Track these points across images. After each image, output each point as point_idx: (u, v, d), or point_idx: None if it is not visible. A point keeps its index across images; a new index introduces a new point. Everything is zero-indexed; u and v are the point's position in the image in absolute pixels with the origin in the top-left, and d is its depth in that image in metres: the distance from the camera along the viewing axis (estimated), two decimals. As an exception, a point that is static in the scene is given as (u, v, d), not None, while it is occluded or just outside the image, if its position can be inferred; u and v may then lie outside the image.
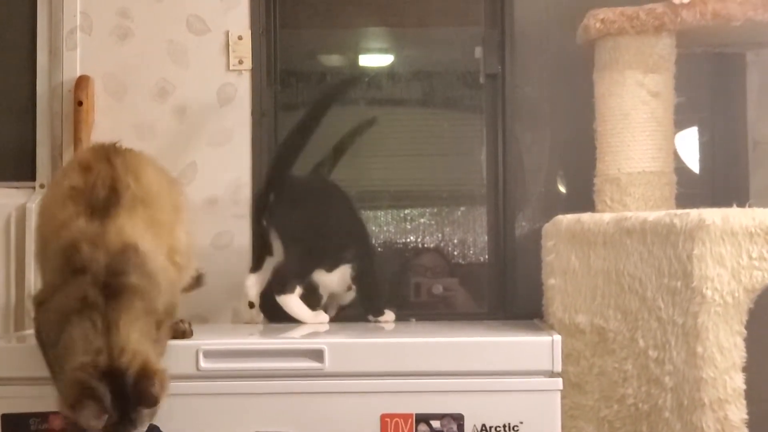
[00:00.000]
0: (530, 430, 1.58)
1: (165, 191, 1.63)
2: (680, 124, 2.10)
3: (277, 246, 1.95)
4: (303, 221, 1.95)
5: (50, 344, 1.44)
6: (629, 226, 1.64)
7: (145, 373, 1.37)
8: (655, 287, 1.56)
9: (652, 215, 1.59)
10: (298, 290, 1.91)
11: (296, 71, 2.38)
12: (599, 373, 1.69)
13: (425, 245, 2.37)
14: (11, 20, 2.29)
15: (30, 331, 1.68)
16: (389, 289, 2.32)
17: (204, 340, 1.64)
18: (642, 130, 1.96)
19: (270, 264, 1.97)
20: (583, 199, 2.04)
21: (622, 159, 1.97)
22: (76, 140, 2.18)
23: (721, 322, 1.44)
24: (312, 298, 1.96)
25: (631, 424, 1.61)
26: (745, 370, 1.44)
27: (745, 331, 1.44)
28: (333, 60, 2.48)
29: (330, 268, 1.97)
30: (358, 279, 1.99)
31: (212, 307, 2.16)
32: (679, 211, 1.53)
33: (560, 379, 1.60)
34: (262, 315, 1.99)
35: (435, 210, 2.38)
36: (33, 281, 2.13)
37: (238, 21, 2.26)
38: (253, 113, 2.25)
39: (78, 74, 2.23)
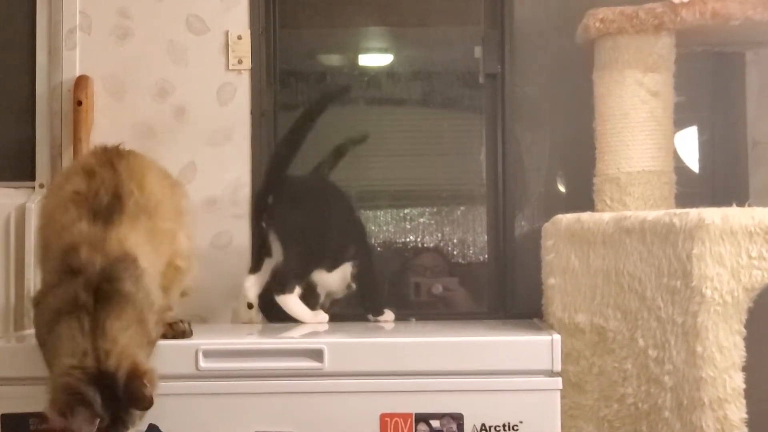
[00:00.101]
0: (530, 430, 1.58)
1: (167, 197, 1.63)
2: (680, 124, 2.10)
3: (276, 247, 1.95)
4: (302, 222, 1.95)
5: (42, 344, 1.45)
6: (629, 226, 1.64)
7: (136, 374, 1.38)
8: (655, 287, 1.56)
9: (651, 214, 1.59)
10: (298, 290, 1.91)
11: (296, 71, 2.38)
12: (599, 373, 1.69)
13: (425, 245, 2.37)
14: (11, 20, 2.29)
15: (30, 331, 1.68)
16: (389, 289, 2.32)
17: (203, 340, 1.64)
18: (641, 130, 1.96)
19: (269, 265, 1.97)
20: (582, 199, 2.04)
21: (621, 158, 1.97)
22: (76, 140, 2.18)
23: (720, 322, 1.44)
24: (311, 298, 1.97)
25: (631, 424, 1.61)
26: (744, 369, 1.44)
27: (744, 331, 1.44)
28: (333, 60, 2.48)
29: (330, 268, 1.97)
30: (357, 277, 1.99)
31: (212, 307, 2.16)
32: (679, 211, 1.53)
33: (560, 379, 1.60)
34: (261, 315, 1.99)
35: (435, 210, 2.38)
36: (33, 281, 2.13)
37: (238, 21, 2.25)
38: (252, 113, 2.25)
39: (77, 74, 2.23)
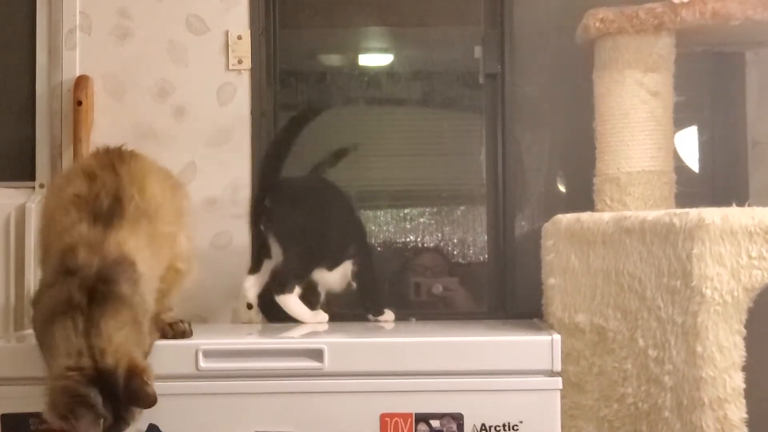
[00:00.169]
0: (530, 430, 1.58)
1: (168, 200, 1.64)
2: (680, 124, 2.10)
3: (275, 248, 1.95)
4: (301, 222, 1.95)
5: (40, 344, 1.45)
6: (629, 226, 1.64)
7: (135, 371, 1.38)
8: (655, 286, 1.56)
9: (651, 214, 1.59)
10: (297, 290, 1.91)
11: (296, 71, 2.38)
12: (599, 373, 1.69)
13: (425, 245, 2.37)
14: (11, 20, 2.29)
15: (30, 331, 1.68)
16: (389, 289, 2.32)
17: (203, 340, 1.64)
18: (641, 130, 1.96)
19: (268, 266, 1.97)
20: (582, 199, 2.04)
21: (621, 158, 1.97)
22: (76, 140, 2.18)
23: (720, 322, 1.44)
24: (311, 297, 1.97)
25: (631, 424, 1.61)
26: (744, 369, 1.44)
27: (744, 331, 1.44)
28: (333, 60, 2.48)
29: (331, 267, 1.97)
30: (358, 276, 2.00)
31: (212, 307, 2.16)
32: (679, 211, 1.53)
33: (560, 379, 1.60)
34: (260, 316, 1.99)
35: (435, 210, 2.38)
36: (33, 281, 2.13)
37: (238, 21, 2.25)
38: (252, 113, 2.25)
39: (77, 74, 2.23)
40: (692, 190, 2.14)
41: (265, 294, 1.98)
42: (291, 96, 2.37)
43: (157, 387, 1.43)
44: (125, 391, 1.36)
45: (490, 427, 1.58)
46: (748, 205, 1.51)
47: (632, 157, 1.96)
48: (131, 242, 1.49)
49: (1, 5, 2.30)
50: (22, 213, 2.20)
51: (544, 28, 2.32)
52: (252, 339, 1.80)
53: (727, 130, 2.32)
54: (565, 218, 1.81)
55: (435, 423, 1.58)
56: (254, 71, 2.25)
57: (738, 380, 1.43)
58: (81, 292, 1.41)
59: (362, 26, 2.44)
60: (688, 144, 2.32)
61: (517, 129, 2.31)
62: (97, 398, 1.35)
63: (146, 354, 1.49)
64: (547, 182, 2.35)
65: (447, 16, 2.40)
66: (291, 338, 1.77)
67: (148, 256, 1.51)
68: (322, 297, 2.00)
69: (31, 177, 2.24)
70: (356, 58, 2.46)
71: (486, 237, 2.34)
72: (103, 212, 1.50)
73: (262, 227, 1.95)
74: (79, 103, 2.18)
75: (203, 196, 2.21)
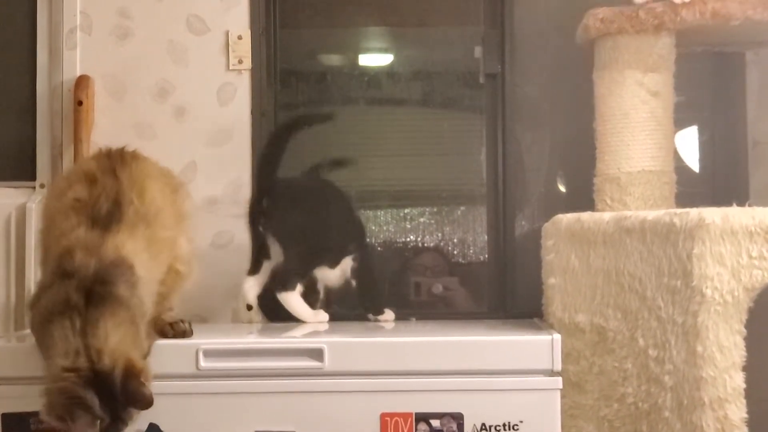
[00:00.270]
0: (530, 430, 1.58)
1: (168, 205, 1.64)
2: (680, 124, 2.10)
3: (275, 249, 1.95)
4: (300, 221, 1.95)
5: (39, 345, 1.45)
6: (629, 225, 1.64)
7: (132, 372, 1.38)
8: (655, 286, 1.56)
9: (651, 214, 1.59)
10: (299, 288, 1.91)
11: (296, 71, 2.39)
12: (599, 373, 1.69)
13: (425, 244, 2.37)
14: (11, 20, 2.29)
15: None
16: (389, 288, 2.32)
17: (204, 340, 1.64)
18: (642, 130, 1.96)
19: (267, 267, 1.97)
20: (583, 199, 2.04)
21: (622, 158, 1.97)
22: (76, 140, 2.18)
23: (720, 321, 1.44)
24: (311, 297, 1.97)
25: (631, 424, 1.61)
26: (745, 369, 1.44)
27: (744, 330, 1.44)
28: (333, 60, 2.48)
29: (333, 265, 1.98)
30: (357, 272, 2.00)
31: (212, 307, 2.16)
32: (679, 210, 1.53)
33: (560, 378, 1.60)
34: (260, 317, 1.99)
35: (435, 209, 2.38)
36: (33, 281, 2.13)
37: (238, 21, 2.26)
38: (252, 113, 2.25)
39: (78, 74, 2.23)
40: (692, 190, 2.14)
41: (265, 294, 1.98)
42: (291, 96, 2.37)
43: (158, 386, 1.43)
44: (122, 392, 1.37)
45: (490, 426, 1.58)
46: (749, 205, 1.51)
47: (632, 157, 1.96)
48: (129, 246, 1.49)
49: (1, 5, 2.30)
50: (22, 213, 2.20)
51: (544, 28, 2.32)
52: (252, 338, 1.80)
53: (727, 130, 2.32)
54: (566, 218, 1.81)
55: (435, 423, 1.58)
56: (254, 71, 2.25)
57: (738, 380, 1.43)
58: (78, 293, 1.41)
59: (362, 26, 2.44)
60: (689, 144, 2.32)
61: (518, 129, 2.31)
62: (93, 399, 1.35)
63: (145, 355, 1.49)
64: (547, 182, 2.35)
65: (447, 16, 2.41)
66: (291, 338, 1.77)
67: (146, 259, 1.52)
68: (321, 295, 2.00)
69: (32, 177, 2.24)
70: (356, 58, 2.46)
71: (486, 237, 2.34)
72: (101, 216, 1.50)
73: (261, 228, 1.96)
74: (80, 103, 2.18)
75: (203, 196, 2.21)
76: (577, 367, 1.72)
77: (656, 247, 1.55)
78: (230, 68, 2.25)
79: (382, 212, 2.38)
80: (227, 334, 1.90)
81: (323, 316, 1.95)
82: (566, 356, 1.66)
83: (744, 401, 1.43)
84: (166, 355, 1.58)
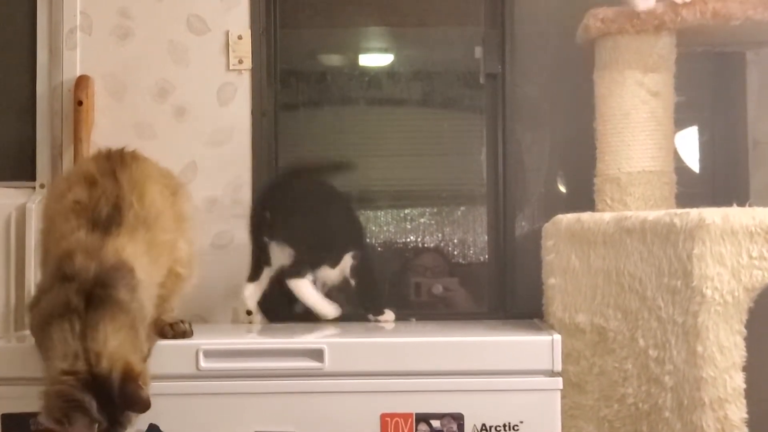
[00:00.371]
0: (530, 430, 1.58)
1: (168, 207, 1.64)
2: (680, 124, 2.10)
3: (280, 253, 1.95)
4: (303, 223, 1.96)
5: (38, 347, 1.45)
6: (629, 226, 1.63)
7: (130, 376, 1.38)
8: (655, 286, 1.56)
9: (652, 214, 1.59)
10: (309, 277, 1.92)
11: (296, 71, 2.38)
12: (599, 373, 1.69)
13: (425, 245, 2.37)
14: (11, 20, 2.29)
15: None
16: (389, 289, 2.32)
17: (204, 340, 1.64)
18: (642, 130, 1.96)
19: (267, 274, 1.97)
20: (583, 199, 2.04)
21: (622, 158, 1.97)
22: (76, 140, 2.18)
23: (721, 322, 1.44)
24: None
25: (631, 424, 1.61)
26: (745, 369, 1.44)
27: (745, 331, 1.44)
28: (333, 60, 2.48)
29: (333, 264, 1.98)
30: (357, 271, 2.00)
31: (212, 307, 2.16)
32: (679, 211, 1.53)
33: (560, 379, 1.60)
34: (261, 319, 1.99)
35: (435, 210, 2.38)
36: (33, 281, 2.13)
37: (238, 21, 2.25)
38: (253, 113, 2.25)
39: (78, 74, 2.23)
40: (693, 190, 2.13)
41: (266, 296, 1.98)
42: (291, 96, 2.37)
43: (158, 387, 1.44)
44: (120, 396, 1.37)
45: (490, 427, 1.58)
46: (749, 205, 1.51)
47: (633, 158, 1.96)
48: (129, 249, 1.49)
49: (1, 5, 2.30)
50: (22, 213, 2.20)
51: (545, 28, 2.31)
52: (252, 339, 1.80)
53: (727, 130, 2.32)
54: (566, 218, 1.81)
55: (435, 423, 1.58)
56: (255, 71, 2.25)
57: (738, 380, 1.43)
58: (78, 296, 1.41)
59: (362, 26, 2.44)
60: (689, 144, 2.32)
61: (518, 129, 2.31)
62: (91, 403, 1.35)
63: (145, 358, 1.48)
64: (547, 182, 2.35)
65: (447, 16, 2.40)
66: (291, 338, 1.77)
67: (146, 262, 1.52)
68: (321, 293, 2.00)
69: (32, 177, 2.24)
70: (356, 58, 2.46)
71: (486, 237, 2.34)
72: (101, 220, 1.50)
73: (265, 239, 1.96)
74: (80, 103, 2.18)
75: (203, 196, 2.21)
76: (578, 368, 1.72)
77: (656, 248, 1.55)
78: (230, 68, 2.25)
79: (383, 212, 2.38)
80: (227, 334, 1.90)
81: (336, 308, 1.95)
82: (566, 357, 1.66)
83: (744, 401, 1.43)
84: (166, 356, 1.58)
